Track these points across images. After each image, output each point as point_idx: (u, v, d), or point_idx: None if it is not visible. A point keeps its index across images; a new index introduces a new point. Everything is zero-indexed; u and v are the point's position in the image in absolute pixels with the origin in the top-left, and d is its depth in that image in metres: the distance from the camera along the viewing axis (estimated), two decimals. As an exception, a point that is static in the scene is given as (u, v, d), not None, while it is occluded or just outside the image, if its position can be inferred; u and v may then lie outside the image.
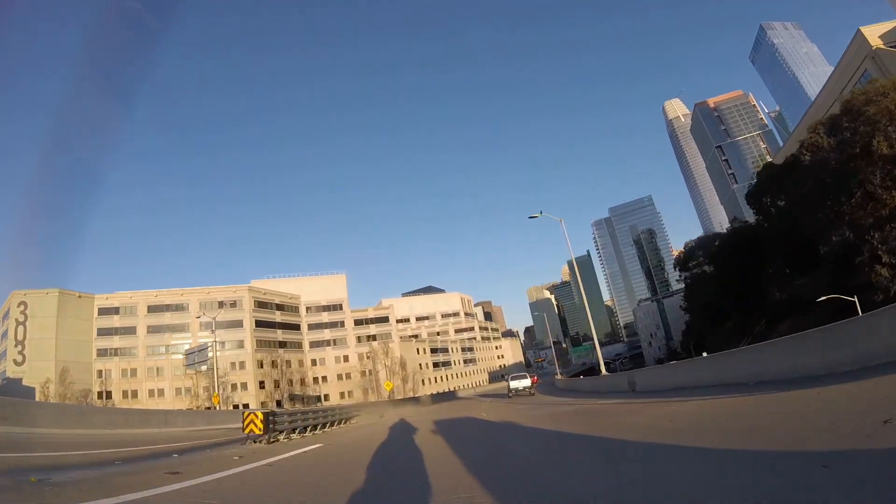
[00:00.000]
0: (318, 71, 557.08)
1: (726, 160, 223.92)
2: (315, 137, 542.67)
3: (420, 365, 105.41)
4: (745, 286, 60.55)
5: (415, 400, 44.61)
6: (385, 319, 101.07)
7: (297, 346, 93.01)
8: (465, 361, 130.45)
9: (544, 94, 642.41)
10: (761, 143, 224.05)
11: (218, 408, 49.71)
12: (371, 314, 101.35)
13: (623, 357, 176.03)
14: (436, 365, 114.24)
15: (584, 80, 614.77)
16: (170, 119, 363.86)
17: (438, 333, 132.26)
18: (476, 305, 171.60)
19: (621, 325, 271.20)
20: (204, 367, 48.25)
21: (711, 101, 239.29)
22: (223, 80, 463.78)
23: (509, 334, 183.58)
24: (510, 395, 40.88)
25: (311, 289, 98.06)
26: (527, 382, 41.23)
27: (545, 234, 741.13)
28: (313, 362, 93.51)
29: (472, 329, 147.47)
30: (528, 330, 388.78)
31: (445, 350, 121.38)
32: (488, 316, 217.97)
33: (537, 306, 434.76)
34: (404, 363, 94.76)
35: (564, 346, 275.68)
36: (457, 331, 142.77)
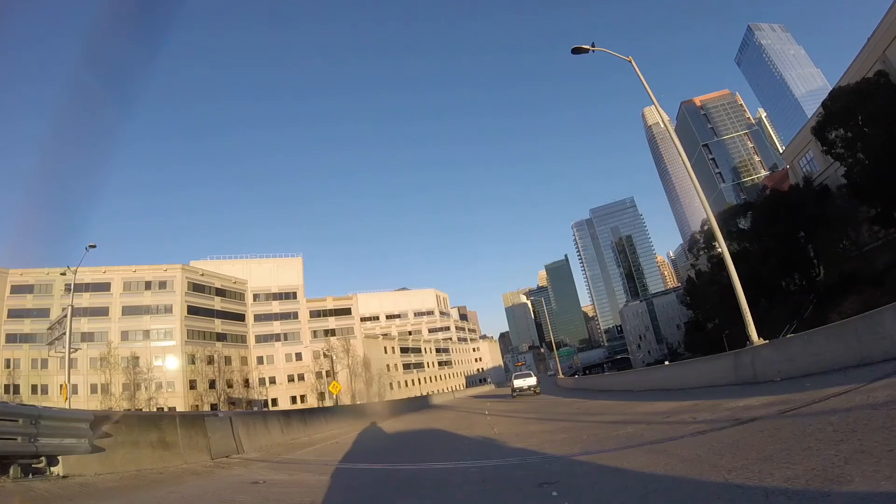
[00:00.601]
0: (292, 53, 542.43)
1: (713, 159, 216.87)
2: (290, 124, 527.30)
3: (388, 366, 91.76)
4: (786, 261, 49.56)
5: (356, 412, 30.98)
6: (347, 312, 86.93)
7: (241, 339, 78.24)
8: (439, 364, 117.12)
9: (526, 91, 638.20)
10: (748, 141, 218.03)
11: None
12: (331, 305, 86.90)
13: (605, 363, 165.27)
14: (407, 367, 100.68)
15: (564, 75, 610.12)
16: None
17: (410, 333, 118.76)
18: (451, 308, 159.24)
19: (601, 329, 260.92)
20: (63, 349, 33.94)
21: (698, 100, 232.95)
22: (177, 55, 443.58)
23: (486, 339, 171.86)
24: (514, 394, 37.19)
25: (260, 273, 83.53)
26: (532, 381, 37.46)
27: (523, 238, 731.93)
28: (259, 360, 78.51)
29: (447, 328, 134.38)
30: (503, 336, 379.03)
31: (418, 350, 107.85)
32: (464, 318, 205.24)
33: (513, 311, 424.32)
34: (368, 363, 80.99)
35: (542, 350, 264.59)
36: (431, 330, 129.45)
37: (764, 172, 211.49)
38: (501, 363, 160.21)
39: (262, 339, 79.42)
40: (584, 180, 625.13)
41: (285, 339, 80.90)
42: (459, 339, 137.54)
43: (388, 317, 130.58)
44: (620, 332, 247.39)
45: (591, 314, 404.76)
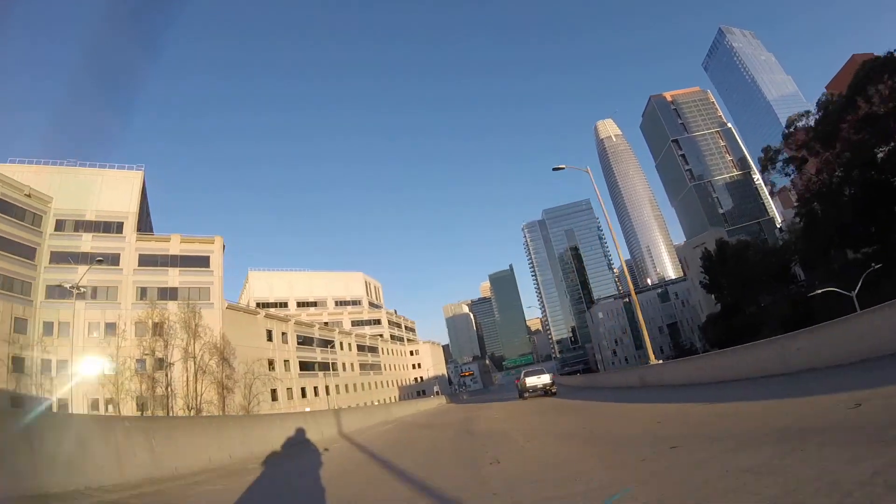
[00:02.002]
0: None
1: (683, 155, 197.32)
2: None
3: (273, 363, 57.87)
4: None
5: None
6: (204, 262, 52.12)
7: (23, 288, 42.89)
8: (362, 367, 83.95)
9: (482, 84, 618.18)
10: (720, 140, 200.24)
11: None
12: (177, 248, 51.10)
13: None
14: (306, 367, 66.77)
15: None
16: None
17: (328, 324, 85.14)
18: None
19: (553, 339, 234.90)
20: None
21: (668, 95, 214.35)
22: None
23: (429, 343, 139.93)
24: (525, 395, 30.07)
25: (72, 189, 48.42)
26: (546, 379, 29.31)
27: (465, 252, 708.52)
28: (47, 328, 43.06)
29: (377, 322, 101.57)
30: (443, 349, 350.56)
31: (328, 345, 74.15)
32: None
33: (455, 322, 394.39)
34: (232, 353, 47.00)
35: (487, 362, 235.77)
36: (355, 323, 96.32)
37: (736, 172, 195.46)
38: (446, 373, 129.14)
39: (56, 293, 43.24)
40: (532, 188, 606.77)
41: (94, 296, 45.41)
42: (394, 337, 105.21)
43: (302, 304, 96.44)
44: (575, 341, 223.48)
45: (534, 328, 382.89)
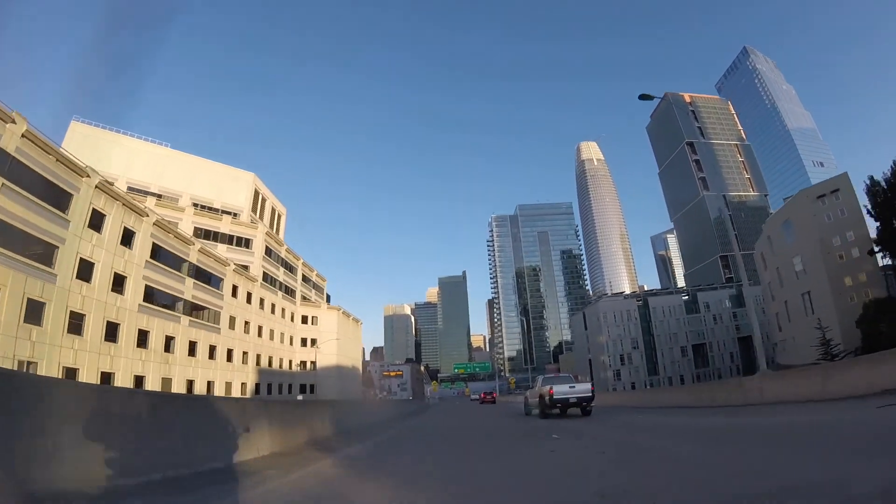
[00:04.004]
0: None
1: (697, 160, 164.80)
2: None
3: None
4: None
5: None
6: None
7: None
8: (194, 310, 42.16)
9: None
10: (738, 154, 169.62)
11: None
12: None
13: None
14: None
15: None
16: None
17: (179, 237, 42.65)
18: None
19: (504, 357, 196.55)
20: None
21: (687, 95, 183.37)
22: None
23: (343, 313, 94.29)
24: (547, 411, 19.31)
25: None
26: (585, 388, 18.90)
27: (420, 245, 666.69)
28: None
29: (247, 245, 59.39)
30: (376, 350, 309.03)
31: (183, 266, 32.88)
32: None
33: (393, 322, 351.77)
34: None
35: (423, 369, 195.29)
36: (215, 236, 54.44)
37: (752, 193, 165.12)
38: (360, 366, 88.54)
39: None
40: (505, 187, 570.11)
41: None
42: (287, 288, 64.25)
43: (134, 189, 53.43)
44: (530, 361, 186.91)
45: (476, 345, 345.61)
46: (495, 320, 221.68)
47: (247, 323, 51.22)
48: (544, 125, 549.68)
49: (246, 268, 54.25)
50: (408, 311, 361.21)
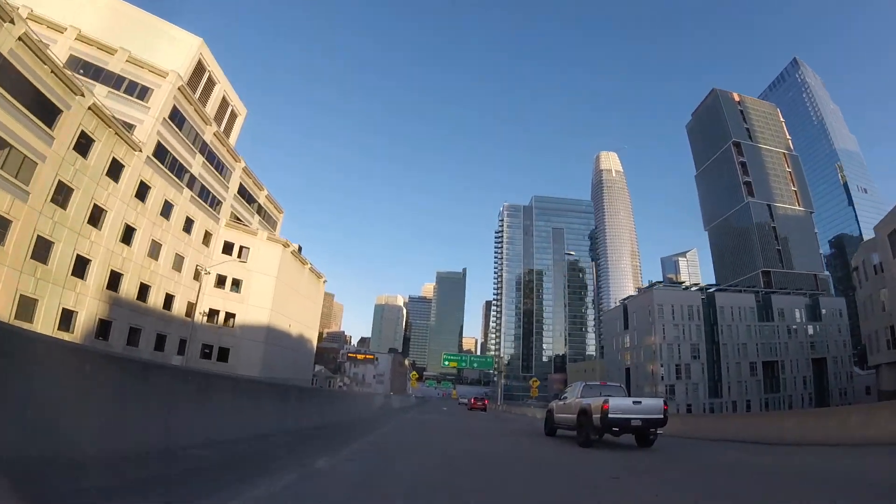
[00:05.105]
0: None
1: (743, 163, 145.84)
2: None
3: None
4: None
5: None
6: None
7: None
8: (10, 173, 22.81)
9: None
10: (786, 164, 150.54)
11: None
12: None
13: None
14: None
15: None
16: None
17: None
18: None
19: (503, 357, 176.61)
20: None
21: (735, 95, 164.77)
22: None
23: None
24: (595, 435, 13.24)
25: None
26: (655, 408, 13.05)
27: (417, 239, 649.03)
28: None
29: (163, 113, 39.48)
30: (363, 340, 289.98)
31: None
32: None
33: (383, 311, 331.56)
34: None
35: (407, 363, 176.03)
36: (112, 81, 34.63)
37: (799, 208, 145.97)
38: (314, 339, 66.87)
39: None
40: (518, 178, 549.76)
41: None
42: (203, 189, 44.51)
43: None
44: (527, 369, 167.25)
45: (467, 348, 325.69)
46: (492, 322, 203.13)
47: (103, 212, 31.01)
48: (564, 121, 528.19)
49: (131, 129, 34.34)
50: (400, 302, 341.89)
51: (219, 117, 50.68)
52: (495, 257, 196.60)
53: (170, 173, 38.31)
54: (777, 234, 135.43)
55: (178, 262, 40.33)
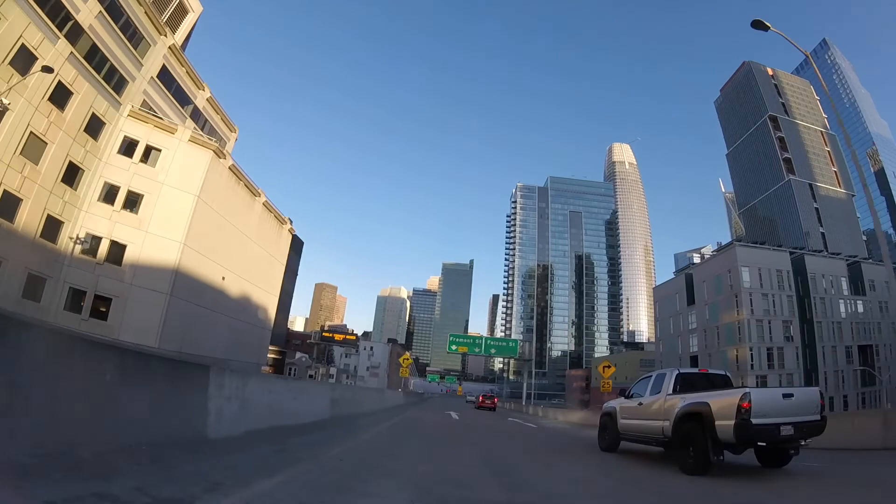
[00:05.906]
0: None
1: (781, 138, 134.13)
2: None
3: None
4: None
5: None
6: None
7: None
8: None
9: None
10: (825, 143, 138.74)
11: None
12: None
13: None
14: None
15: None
16: None
17: None
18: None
19: (526, 350, 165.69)
20: None
21: (769, 69, 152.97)
22: None
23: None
24: (718, 457, 7.67)
25: None
26: (811, 401, 7.96)
27: (422, 230, 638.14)
28: None
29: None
30: (365, 335, 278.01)
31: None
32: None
33: (385, 303, 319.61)
34: None
35: (409, 357, 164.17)
36: None
37: (840, 189, 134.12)
38: (271, 307, 51.31)
39: None
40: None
41: None
42: (101, 58, 32.70)
43: None
44: (541, 365, 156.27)
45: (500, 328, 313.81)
46: (500, 314, 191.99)
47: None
48: (578, 106, 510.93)
49: None
50: (404, 295, 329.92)
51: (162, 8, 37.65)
52: (507, 243, 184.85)
53: (34, 4, 24.33)
54: (821, 218, 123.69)
55: (36, 149, 25.83)
